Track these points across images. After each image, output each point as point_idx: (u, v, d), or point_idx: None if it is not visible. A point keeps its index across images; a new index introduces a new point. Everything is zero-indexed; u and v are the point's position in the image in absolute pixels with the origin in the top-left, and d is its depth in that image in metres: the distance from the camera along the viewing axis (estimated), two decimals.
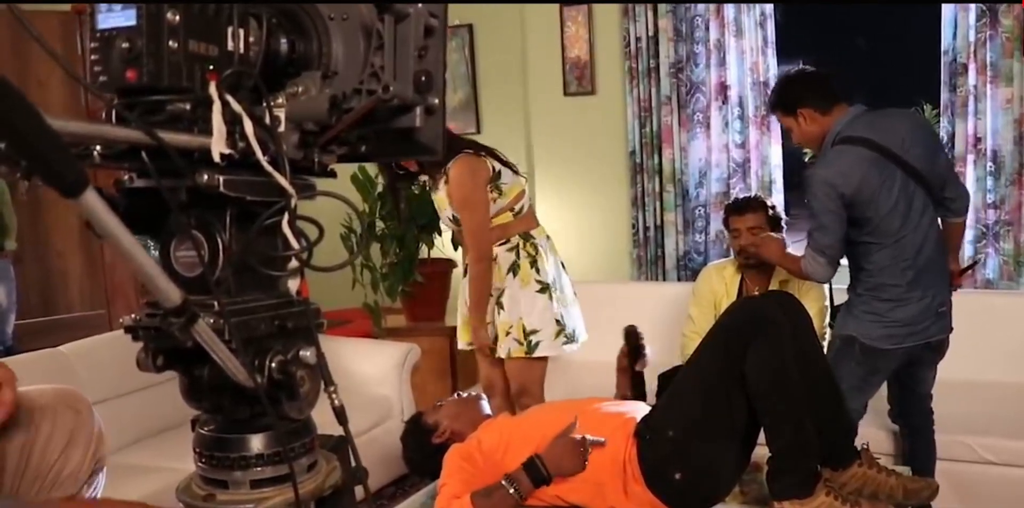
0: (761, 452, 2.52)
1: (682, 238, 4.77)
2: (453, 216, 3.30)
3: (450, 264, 4.88)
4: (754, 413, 2.39)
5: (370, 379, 4.14)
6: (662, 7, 4.55)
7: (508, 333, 3.30)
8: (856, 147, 2.94)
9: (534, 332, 3.30)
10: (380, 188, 4.68)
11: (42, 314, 6.22)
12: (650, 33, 4.60)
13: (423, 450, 2.80)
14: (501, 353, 3.33)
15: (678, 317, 4.08)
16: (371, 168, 4.61)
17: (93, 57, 0.89)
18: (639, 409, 2.61)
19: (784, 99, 3.16)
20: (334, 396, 1.04)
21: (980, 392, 3.74)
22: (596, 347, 3.41)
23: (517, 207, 3.33)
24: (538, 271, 3.31)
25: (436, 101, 1.08)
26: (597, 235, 5.03)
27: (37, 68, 5.84)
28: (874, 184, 2.90)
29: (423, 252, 4.82)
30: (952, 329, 3.12)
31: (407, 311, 4.92)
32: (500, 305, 3.31)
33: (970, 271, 3.33)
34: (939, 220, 3.10)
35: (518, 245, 3.31)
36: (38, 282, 6.31)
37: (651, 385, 3.55)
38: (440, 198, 3.32)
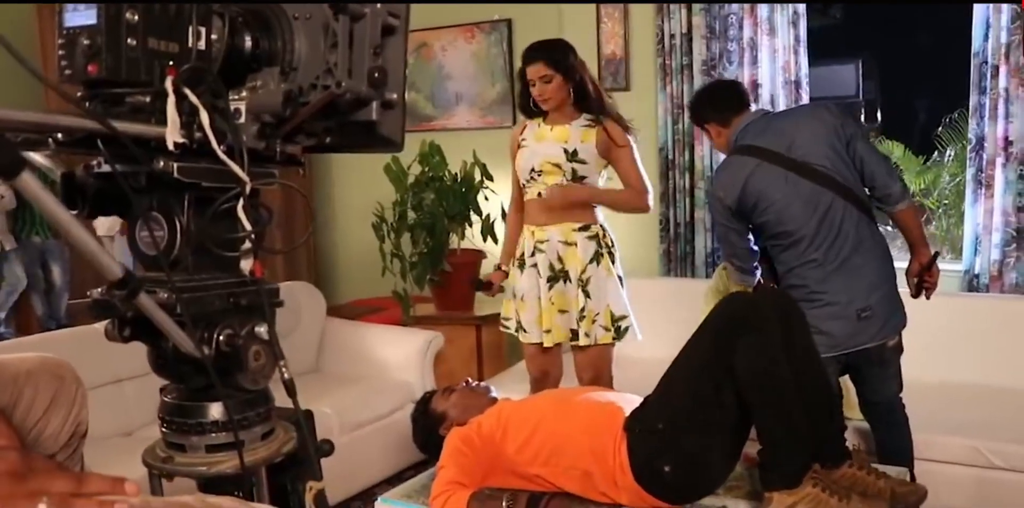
0: (754, 447, 2.53)
1: (711, 235, 4.78)
2: (575, 150, 3.34)
3: (479, 254, 4.94)
4: (745, 407, 2.40)
5: (394, 365, 4.24)
6: (696, 5, 4.57)
7: (595, 321, 3.33)
8: (739, 157, 3.01)
9: (622, 318, 3.37)
10: (412, 179, 4.78)
11: None
12: (684, 31, 4.62)
13: (430, 438, 2.89)
14: (587, 340, 3.34)
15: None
16: (403, 158, 4.70)
17: (60, 52, 0.98)
18: (629, 401, 2.63)
19: (693, 117, 3.35)
20: (284, 370, 1.12)
21: (1003, 398, 3.69)
22: (627, 343, 3.44)
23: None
24: (614, 264, 3.41)
25: (395, 96, 1.16)
26: (626, 231, 5.03)
27: None
28: (756, 191, 2.92)
29: (453, 242, 4.90)
30: (892, 336, 3.00)
31: (436, 300, 5.00)
32: (586, 293, 3.33)
33: (934, 266, 3.03)
34: (870, 218, 2.97)
35: (598, 235, 3.39)
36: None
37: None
38: (565, 131, 3.39)
